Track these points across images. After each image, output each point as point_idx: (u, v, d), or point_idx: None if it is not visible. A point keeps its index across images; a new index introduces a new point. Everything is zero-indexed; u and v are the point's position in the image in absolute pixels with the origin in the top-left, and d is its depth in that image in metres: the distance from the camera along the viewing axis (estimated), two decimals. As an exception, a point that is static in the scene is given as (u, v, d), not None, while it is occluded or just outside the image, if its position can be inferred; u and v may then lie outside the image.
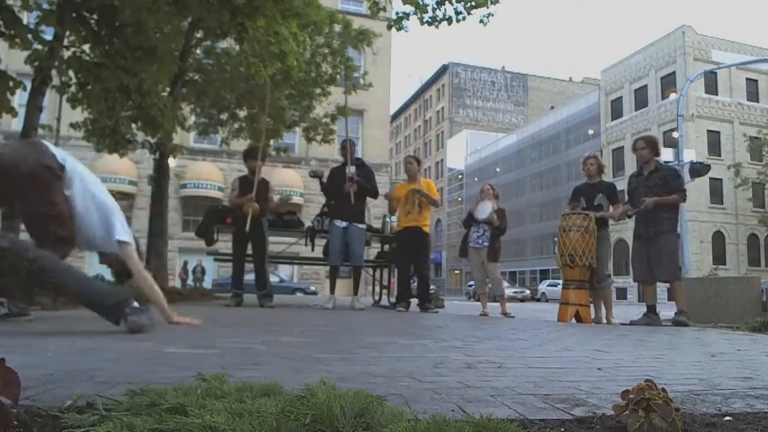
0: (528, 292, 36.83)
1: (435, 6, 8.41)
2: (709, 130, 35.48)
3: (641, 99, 38.74)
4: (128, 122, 9.36)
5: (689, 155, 16.46)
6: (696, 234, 31.93)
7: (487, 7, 8.33)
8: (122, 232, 3.25)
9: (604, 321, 5.77)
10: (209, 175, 26.71)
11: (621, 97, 40.64)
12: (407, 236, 6.71)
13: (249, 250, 6.39)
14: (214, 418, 0.87)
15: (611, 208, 5.80)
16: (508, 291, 7.00)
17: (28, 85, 7.58)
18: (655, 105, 37.20)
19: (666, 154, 14.71)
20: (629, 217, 5.66)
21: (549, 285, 34.86)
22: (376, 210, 19.70)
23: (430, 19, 8.43)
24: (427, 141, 72.15)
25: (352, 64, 11.21)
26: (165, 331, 3.08)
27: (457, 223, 47.65)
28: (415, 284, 7.05)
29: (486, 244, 6.65)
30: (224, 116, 13.90)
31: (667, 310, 6.02)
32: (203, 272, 23.52)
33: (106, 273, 3.92)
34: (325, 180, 6.81)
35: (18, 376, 0.98)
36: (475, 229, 6.80)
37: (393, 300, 8.02)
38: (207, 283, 21.38)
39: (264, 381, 1.20)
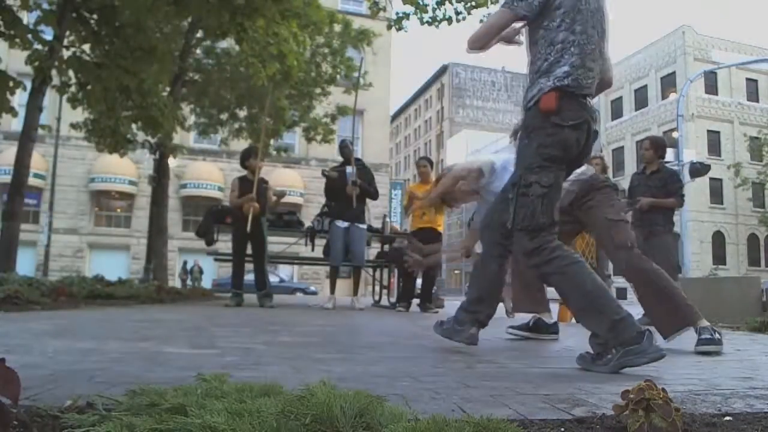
0: (528, 292, 36.74)
1: (435, 6, 8.42)
2: (709, 130, 35.44)
3: (641, 99, 38.70)
4: (128, 122, 9.37)
5: (689, 155, 16.45)
6: (696, 234, 31.89)
7: (487, 7, 8.35)
8: None
9: (604, 321, 5.76)
10: (209, 175, 26.70)
11: (621, 97, 40.59)
12: (422, 236, 6.75)
13: (248, 250, 6.39)
14: (214, 418, 0.87)
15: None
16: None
17: (28, 85, 7.59)
18: (655, 105, 37.17)
19: (666, 155, 14.72)
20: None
21: (549, 285, 34.79)
22: (376, 210, 19.70)
23: (430, 19, 8.44)
24: (427, 141, 72.11)
25: (352, 64, 11.24)
26: (164, 330, 3.08)
27: (457, 224, 47.59)
28: (419, 282, 7.09)
29: None
30: (224, 116, 13.91)
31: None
32: (201, 272, 23.51)
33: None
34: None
35: (18, 376, 0.98)
36: None
37: (393, 300, 8.03)
38: (206, 283, 21.35)
39: (264, 381, 1.20)
